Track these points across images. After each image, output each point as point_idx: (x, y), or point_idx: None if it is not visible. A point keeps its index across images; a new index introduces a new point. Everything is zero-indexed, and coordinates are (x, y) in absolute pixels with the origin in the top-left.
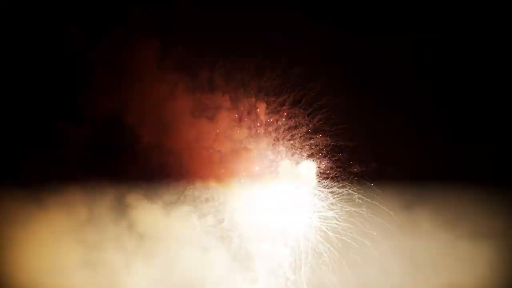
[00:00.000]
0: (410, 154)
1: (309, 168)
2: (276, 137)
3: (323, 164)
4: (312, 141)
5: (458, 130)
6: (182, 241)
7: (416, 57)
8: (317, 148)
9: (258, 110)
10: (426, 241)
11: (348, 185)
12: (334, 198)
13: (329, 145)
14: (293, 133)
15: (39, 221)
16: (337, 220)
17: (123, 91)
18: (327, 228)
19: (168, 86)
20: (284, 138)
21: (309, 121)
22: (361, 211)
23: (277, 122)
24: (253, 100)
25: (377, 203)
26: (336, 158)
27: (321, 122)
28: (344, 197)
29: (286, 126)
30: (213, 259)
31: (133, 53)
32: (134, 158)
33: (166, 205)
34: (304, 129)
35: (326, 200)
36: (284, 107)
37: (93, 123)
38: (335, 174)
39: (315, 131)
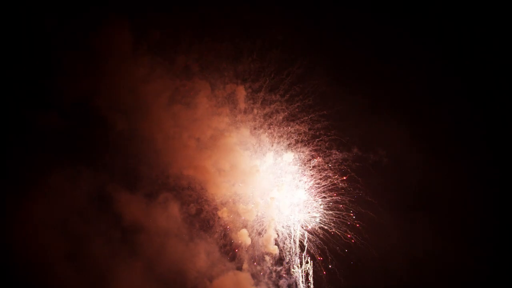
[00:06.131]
0: (394, 140)
1: (289, 157)
2: (254, 125)
3: (303, 152)
4: (290, 128)
5: (445, 115)
6: (165, 231)
7: (399, 39)
8: (296, 136)
9: (237, 96)
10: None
11: (330, 174)
12: (316, 187)
13: (307, 132)
14: (270, 121)
15: (20, 212)
16: (319, 209)
17: (95, 75)
18: (310, 218)
19: (144, 70)
20: (261, 127)
21: (286, 108)
22: (343, 200)
23: (253, 110)
24: (231, 86)
25: (360, 192)
26: (316, 147)
27: (298, 110)
28: (326, 186)
29: (263, 114)
30: (197, 249)
31: (106, 34)
32: (108, 146)
33: (145, 195)
34: (280, 117)
35: (308, 189)
36: (260, 93)
37: (63, 109)
38: (316, 162)
39: (293, 118)
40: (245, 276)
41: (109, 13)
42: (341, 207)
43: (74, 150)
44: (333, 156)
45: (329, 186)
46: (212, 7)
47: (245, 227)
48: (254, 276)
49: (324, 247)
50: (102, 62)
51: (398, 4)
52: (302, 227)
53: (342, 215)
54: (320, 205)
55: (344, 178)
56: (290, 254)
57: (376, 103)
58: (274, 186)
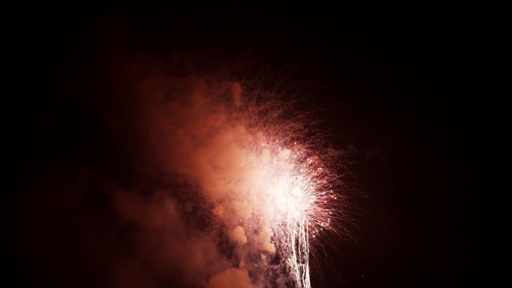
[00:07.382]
0: (390, 137)
1: (286, 154)
2: (249, 123)
3: (299, 150)
4: (285, 126)
5: (442, 113)
6: (162, 229)
7: (396, 38)
8: (292, 133)
9: (233, 94)
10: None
11: (327, 171)
12: (312, 185)
13: (303, 130)
14: (266, 118)
15: (16, 211)
16: (315, 207)
17: (90, 72)
18: (306, 216)
19: (139, 67)
20: (257, 124)
21: (281, 105)
22: (339, 198)
23: (248, 108)
24: (227, 83)
25: (357, 190)
26: (312, 144)
27: (293, 107)
28: (322, 183)
29: (258, 111)
30: (194, 247)
31: (101, 31)
32: (103, 144)
33: (141, 193)
34: (276, 114)
35: (304, 187)
36: (256, 91)
37: (58, 107)
38: (312, 159)
39: (288, 115)
40: (242, 274)
41: (104, 10)
42: (337, 205)
43: (70, 148)
44: (329, 153)
45: (325, 184)
46: (208, 4)
47: (241, 225)
48: (251, 273)
49: (321, 245)
50: (97, 59)
51: (397, 3)
52: (298, 225)
53: (339, 213)
54: (316, 202)
55: (341, 175)
56: (286, 252)
57: (372, 101)
58: (270, 184)
